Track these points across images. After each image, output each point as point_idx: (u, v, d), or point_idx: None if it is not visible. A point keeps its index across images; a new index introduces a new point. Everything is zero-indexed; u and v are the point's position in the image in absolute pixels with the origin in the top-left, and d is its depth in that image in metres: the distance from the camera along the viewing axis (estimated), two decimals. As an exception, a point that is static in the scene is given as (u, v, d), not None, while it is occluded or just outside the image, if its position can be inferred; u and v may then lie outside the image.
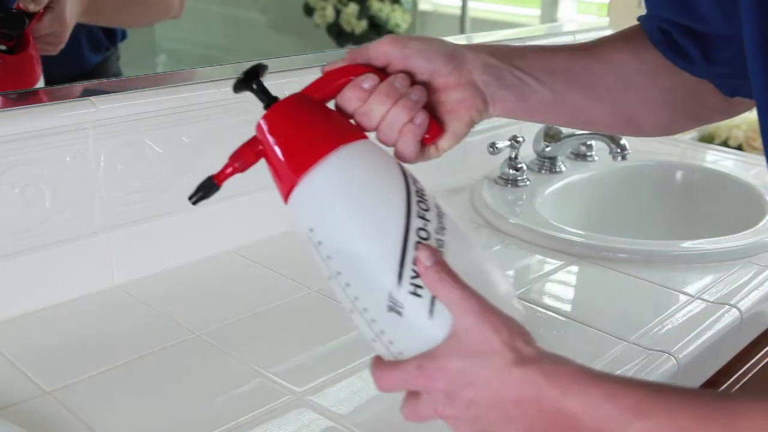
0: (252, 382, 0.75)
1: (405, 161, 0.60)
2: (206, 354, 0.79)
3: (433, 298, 0.53)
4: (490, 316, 0.52)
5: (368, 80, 0.59)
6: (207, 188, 0.62)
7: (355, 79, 0.59)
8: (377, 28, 1.37)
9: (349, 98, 0.59)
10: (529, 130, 1.36)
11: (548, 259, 1.03)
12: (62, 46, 0.87)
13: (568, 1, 1.65)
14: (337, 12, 1.32)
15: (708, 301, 0.91)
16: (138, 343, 0.80)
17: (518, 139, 1.24)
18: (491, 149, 1.23)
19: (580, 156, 1.38)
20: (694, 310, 0.89)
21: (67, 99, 0.86)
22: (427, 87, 0.61)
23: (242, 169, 0.61)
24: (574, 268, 1.00)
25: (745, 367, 0.96)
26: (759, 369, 0.98)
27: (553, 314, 0.88)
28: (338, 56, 0.60)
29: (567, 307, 0.91)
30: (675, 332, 0.84)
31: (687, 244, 1.05)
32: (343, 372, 0.76)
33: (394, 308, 0.53)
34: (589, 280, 0.98)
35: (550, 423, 0.50)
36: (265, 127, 0.59)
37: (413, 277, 0.53)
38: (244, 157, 0.61)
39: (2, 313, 0.84)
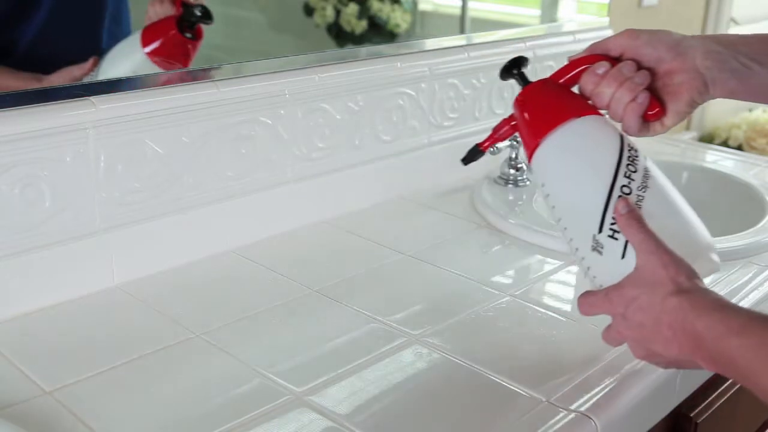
0: (252, 382, 0.75)
1: (630, 134, 0.72)
2: (206, 354, 0.79)
3: (627, 241, 0.66)
4: (662, 255, 0.64)
5: (601, 67, 0.72)
6: (474, 153, 0.83)
7: (591, 66, 0.72)
8: (377, 28, 1.37)
9: (586, 82, 0.72)
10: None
11: (548, 259, 1.03)
12: None
13: (568, 1, 1.65)
14: (337, 12, 1.32)
15: (708, 301, 0.91)
16: (138, 343, 0.80)
17: (518, 139, 1.24)
18: (491, 149, 1.22)
19: (580, 156, 1.38)
20: (694, 310, 0.89)
21: (67, 99, 0.86)
22: (653, 72, 0.72)
23: (502, 139, 0.79)
24: (574, 268, 1.00)
25: (745, 367, 0.95)
26: (759, 369, 0.98)
27: (553, 314, 0.88)
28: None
29: (567, 307, 0.91)
30: (675, 332, 0.84)
31: (687, 244, 1.05)
32: (343, 372, 0.76)
33: (596, 248, 0.68)
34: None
35: (689, 343, 0.61)
36: (518, 103, 0.75)
37: (612, 224, 0.67)
38: (503, 128, 0.78)
39: (2, 313, 0.84)
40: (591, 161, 0.69)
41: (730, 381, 0.93)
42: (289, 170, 1.07)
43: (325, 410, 0.70)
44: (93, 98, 0.87)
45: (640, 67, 0.71)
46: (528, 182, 1.25)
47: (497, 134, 0.78)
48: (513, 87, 1.38)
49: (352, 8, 1.33)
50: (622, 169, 0.68)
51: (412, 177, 1.24)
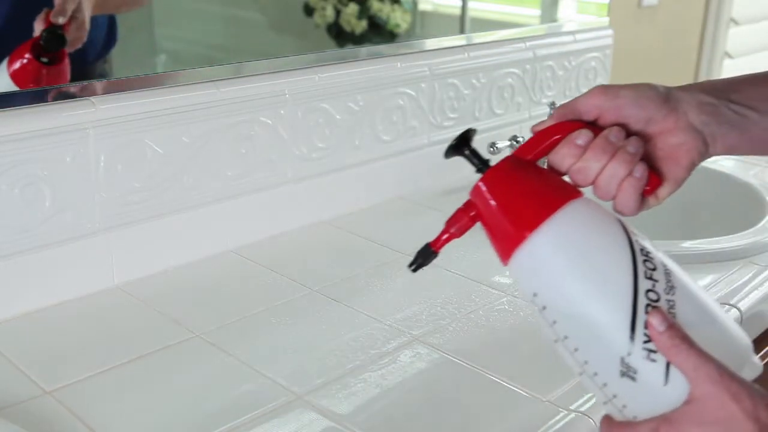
0: (252, 382, 0.75)
1: (625, 215, 0.59)
2: (206, 354, 0.79)
3: (668, 364, 0.51)
4: (729, 383, 0.51)
5: (582, 136, 0.58)
6: (425, 255, 0.61)
7: (568, 136, 0.58)
8: (377, 28, 1.37)
9: (563, 156, 0.58)
10: (529, 130, 1.36)
11: (548, 259, 1.02)
12: (80, 45, 0.93)
13: (568, 1, 1.65)
14: (337, 12, 1.32)
15: (708, 301, 0.91)
16: (138, 343, 0.80)
17: (518, 139, 1.24)
18: (491, 149, 1.23)
19: (580, 156, 1.38)
20: (694, 310, 0.89)
21: (67, 99, 0.86)
22: (642, 135, 0.59)
23: (459, 235, 0.60)
24: (574, 268, 1.00)
25: (745, 367, 0.95)
26: (759, 369, 0.98)
27: (553, 314, 0.88)
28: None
29: (567, 307, 0.91)
30: (675, 332, 0.84)
31: (687, 244, 1.05)
32: (343, 372, 0.76)
33: (627, 373, 0.52)
34: (589, 280, 0.98)
35: None
36: (481, 192, 0.58)
37: (645, 342, 0.52)
38: (460, 222, 0.60)
39: (2, 313, 0.84)
40: (599, 262, 0.54)
41: (730, 381, 0.93)
42: (289, 170, 1.07)
43: (325, 410, 0.70)
44: (93, 98, 0.87)
45: (627, 131, 0.59)
46: (528, 182, 1.25)
47: (452, 229, 0.60)
48: (513, 87, 1.39)
49: (352, 8, 1.33)
50: (641, 268, 0.53)
51: (412, 177, 1.24)
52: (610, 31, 1.58)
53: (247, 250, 1.03)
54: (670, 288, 0.53)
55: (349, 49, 1.31)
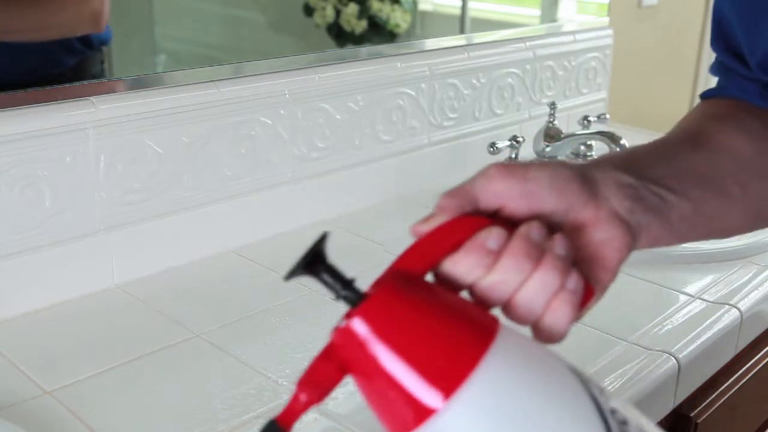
0: (252, 382, 0.75)
1: (553, 342, 0.42)
2: (206, 354, 0.79)
3: None
4: None
5: (493, 237, 0.41)
6: None
7: (473, 239, 0.41)
8: (377, 28, 1.36)
9: (469, 266, 0.41)
10: (530, 130, 1.36)
11: (548, 259, 1.02)
12: None
13: (568, 1, 1.65)
14: (337, 12, 1.32)
15: (708, 301, 0.91)
16: (138, 343, 0.80)
17: (518, 139, 1.24)
18: (491, 149, 1.23)
19: (580, 156, 1.38)
20: (694, 310, 0.89)
21: (67, 99, 0.86)
22: (561, 230, 0.43)
23: (319, 400, 0.40)
24: (574, 268, 1.00)
25: (745, 367, 0.96)
26: (759, 369, 0.98)
27: (553, 314, 0.88)
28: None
29: (567, 307, 0.91)
30: (675, 332, 0.84)
31: (687, 244, 1.05)
32: (343, 372, 0.76)
33: None
34: (589, 280, 0.98)
35: None
36: (355, 337, 0.40)
37: None
38: (323, 380, 0.41)
39: (2, 313, 0.84)
40: (563, 425, 0.37)
41: (730, 381, 0.93)
42: (289, 170, 1.07)
43: (325, 410, 0.70)
44: (93, 98, 0.87)
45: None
46: (528, 182, 1.25)
47: (312, 391, 0.40)
48: (513, 87, 1.39)
49: (352, 8, 1.33)
50: (613, 425, 0.38)
51: (412, 177, 1.24)
52: (610, 31, 1.58)
53: (247, 250, 1.03)
54: None
55: (349, 49, 1.31)
